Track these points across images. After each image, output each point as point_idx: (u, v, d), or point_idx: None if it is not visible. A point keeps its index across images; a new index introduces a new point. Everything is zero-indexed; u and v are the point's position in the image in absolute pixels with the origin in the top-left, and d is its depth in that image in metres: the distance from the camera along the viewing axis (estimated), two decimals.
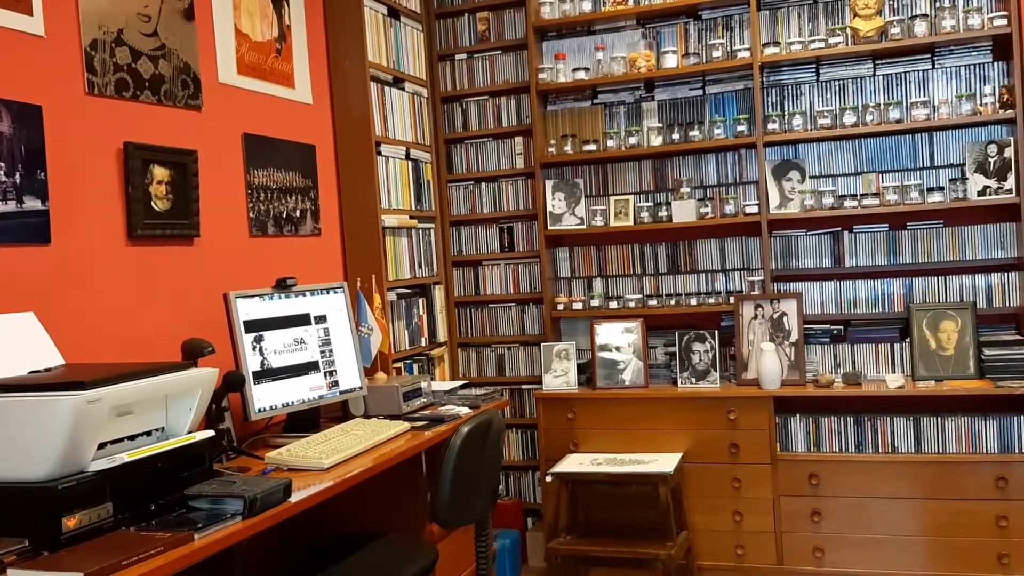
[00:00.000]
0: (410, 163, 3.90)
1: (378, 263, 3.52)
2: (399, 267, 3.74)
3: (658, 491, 3.40)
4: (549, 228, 4.04)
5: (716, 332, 3.75)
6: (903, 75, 3.69)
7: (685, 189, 3.88)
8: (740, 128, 3.80)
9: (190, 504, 1.87)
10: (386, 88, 3.74)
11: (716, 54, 3.82)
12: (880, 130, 3.64)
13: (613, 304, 4.00)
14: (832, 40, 3.67)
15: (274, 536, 2.03)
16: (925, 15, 3.58)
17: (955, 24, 3.51)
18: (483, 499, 2.53)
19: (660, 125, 3.95)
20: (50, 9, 2.28)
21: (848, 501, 3.46)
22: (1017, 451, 3.31)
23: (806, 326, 3.72)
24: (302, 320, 2.77)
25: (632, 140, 3.95)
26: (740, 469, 3.56)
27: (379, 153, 3.62)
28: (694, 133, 3.88)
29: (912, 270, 3.69)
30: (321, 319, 2.84)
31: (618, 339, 3.82)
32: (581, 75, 3.97)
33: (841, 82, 3.76)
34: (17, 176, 2.16)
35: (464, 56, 4.25)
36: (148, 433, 1.89)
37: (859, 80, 3.74)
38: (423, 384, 3.06)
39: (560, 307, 4.03)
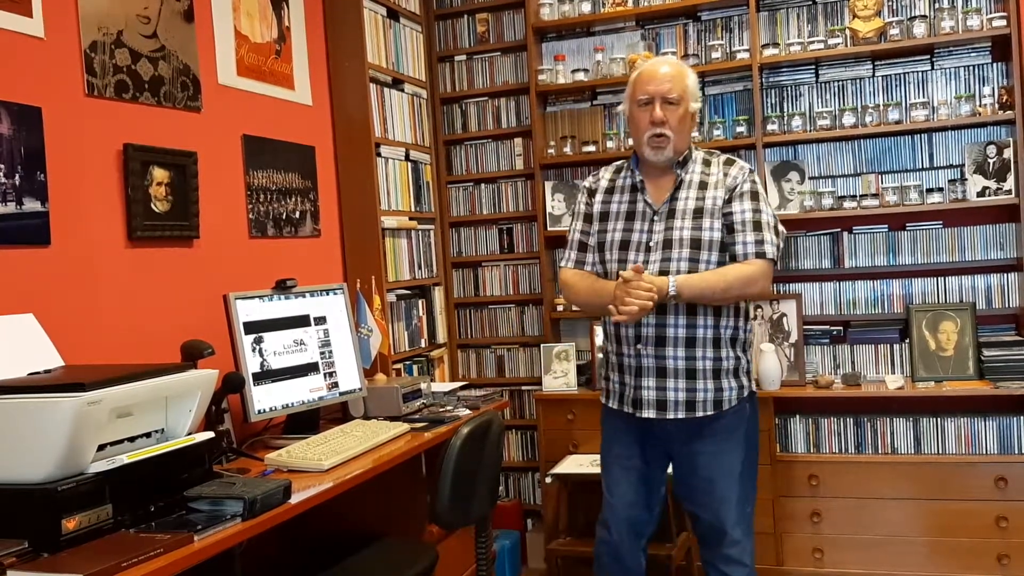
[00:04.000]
0: (409, 164, 3.90)
1: (378, 264, 3.52)
2: (399, 268, 3.74)
3: None
4: (549, 229, 4.04)
5: None
6: (902, 76, 3.69)
7: None
8: (739, 129, 3.80)
9: (190, 505, 1.87)
10: (385, 89, 3.74)
11: (715, 55, 3.82)
12: (879, 131, 3.64)
13: None
14: (831, 41, 3.68)
15: (274, 538, 2.03)
16: (924, 16, 3.58)
17: (954, 25, 3.51)
18: (483, 500, 2.53)
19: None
20: (50, 11, 2.28)
21: (848, 502, 3.46)
22: (1017, 452, 3.31)
23: (805, 327, 3.72)
24: (302, 321, 2.77)
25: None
26: None
27: (379, 154, 3.62)
28: (693, 134, 3.86)
29: (911, 271, 3.69)
30: (321, 320, 2.84)
31: None
32: (580, 76, 3.97)
33: (840, 83, 3.76)
34: (17, 178, 2.16)
35: (463, 57, 4.25)
36: (148, 435, 1.89)
37: (858, 81, 3.74)
38: (423, 385, 3.06)
39: (560, 308, 4.02)
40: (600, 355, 2.56)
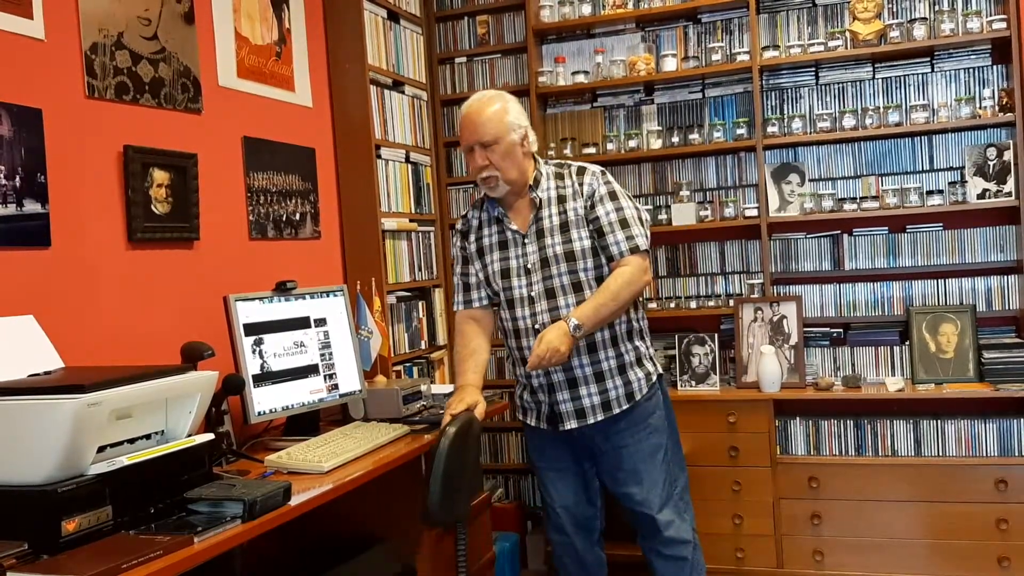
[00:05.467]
0: (410, 166, 3.90)
1: (378, 266, 3.52)
2: (399, 270, 3.74)
3: None
4: None
5: (716, 335, 3.75)
6: (902, 78, 3.69)
7: (685, 192, 3.88)
8: (739, 131, 3.80)
9: (190, 507, 1.87)
10: (386, 91, 3.74)
11: (715, 57, 3.82)
12: (879, 133, 3.64)
13: None
14: (831, 43, 3.68)
15: (274, 539, 2.03)
16: (924, 18, 3.58)
17: (954, 27, 3.51)
18: (467, 497, 2.53)
19: (660, 128, 3.96)
20: (50, 12, 2.29)
21: (848, 504, 3.46)
22: (1017, 454, 3.30)
23: (806, 329, 3.72)
24: (302, 323, 2.77)
25: (632, 143, 3.95)
26: (740, 472, 3.55)
27: (379, 156, 3.62)
28: (694, 136, 3.88)
29: (912, 273, 3.69)
30: (321, 322, 2.83)
31: None
32: (581, 78, 3.97)
33: (840, 85, 3.76)
34: (17, 179, 2.16)
35: (464, 59, 4.25)
36: (148, 436, 1.89)
37: (858, 83, 3.74)
38: (423, 387, 3.06)
39: None
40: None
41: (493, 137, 2.53)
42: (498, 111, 2.55)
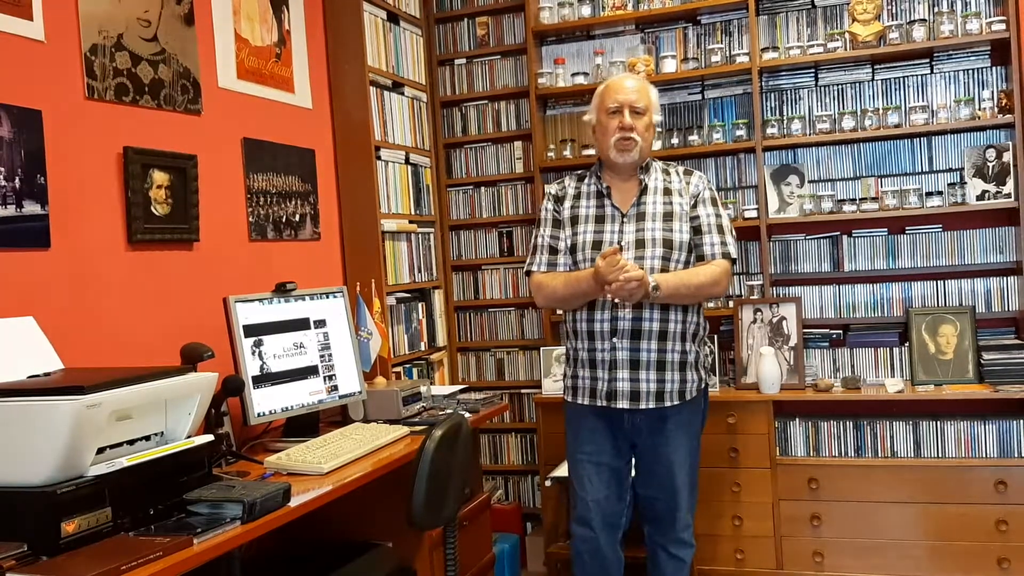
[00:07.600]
0: (409, 167, 3.91)
1: (378, 267, 3.53)
2: (399, 271, 3.74)
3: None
4: None
5: (715, 336, 3.75)
6: (902, 80, 3.70)
7: None
8: (739, 133, 3.80)
9: (189, 509, 1.87)
10: (386, 93, 3.75)
11: (715, 59, 3.82)
12: (879, 135, 3.64)
13: None
14: (831, 45, 3.68)
15: (274, 541, 2.03)
16: (924, 20, 3.58)
17: (953, 29, 3.51)
18: (454, 501, 2.53)
19: (659, 129, 3.96)
20: (50, 14, 2.29)
21: (848, 505, 3.46)
22: (1016, 455, 3.30)
23: (805, 330, 3.72)
24: (301, 324, 2.77)
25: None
26: (739, 473, 3.55)
27: (379, 157, 3.62)
28: (693, 138, 3.88)
29: (911, 274, 3.69)
30: (321, 323, 2.84)
31: None
32: (580, 80, 3.97)
33: (840, 87, 3.76)
34: (17, 180, 2.16)
35: (464, 61, 4.25)
36: (147, 438, 1.89)
37: (858, 85, 3.74)
38: (422, 388, 3.06)
39: (559, 312, 4.02)
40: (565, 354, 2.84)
41: (645, 106, 2.66)
42: (650, 89, 2.72)
